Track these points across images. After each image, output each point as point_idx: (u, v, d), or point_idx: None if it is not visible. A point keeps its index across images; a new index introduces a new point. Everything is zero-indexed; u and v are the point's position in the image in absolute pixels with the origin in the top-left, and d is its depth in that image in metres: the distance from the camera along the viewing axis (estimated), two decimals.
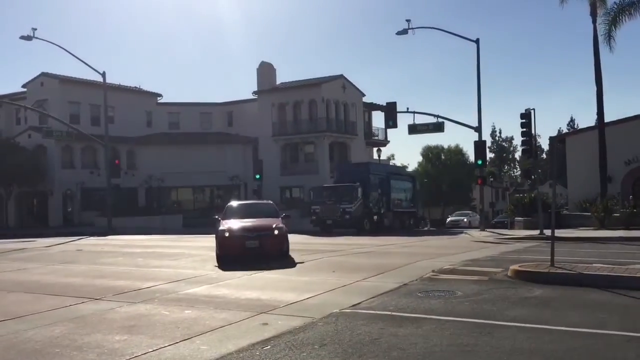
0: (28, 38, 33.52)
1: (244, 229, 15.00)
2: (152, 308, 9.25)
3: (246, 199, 49.46)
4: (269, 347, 6.75)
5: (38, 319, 8.57)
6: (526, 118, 26.30)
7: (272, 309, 8.93)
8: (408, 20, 33.19)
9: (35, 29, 33.86)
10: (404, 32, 33.48)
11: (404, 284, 10.74)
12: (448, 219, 55.71)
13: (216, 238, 15.13)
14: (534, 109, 26.53)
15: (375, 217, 33.77)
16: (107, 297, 10.20)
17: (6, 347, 7.09)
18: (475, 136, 33.01)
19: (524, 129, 26.32)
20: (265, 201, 20.04)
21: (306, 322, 7.90)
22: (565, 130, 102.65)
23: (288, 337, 7.15)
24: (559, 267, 10.96)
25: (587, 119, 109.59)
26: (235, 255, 14.58)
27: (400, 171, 43.43)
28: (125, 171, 45.37)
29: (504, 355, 6.09)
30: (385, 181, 35.67)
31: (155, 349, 6.82)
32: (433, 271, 12.18)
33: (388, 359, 6.09)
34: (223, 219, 16.06)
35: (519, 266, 11.30)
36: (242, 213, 16.55)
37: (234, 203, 17.98)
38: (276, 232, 14.98)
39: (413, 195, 39.89)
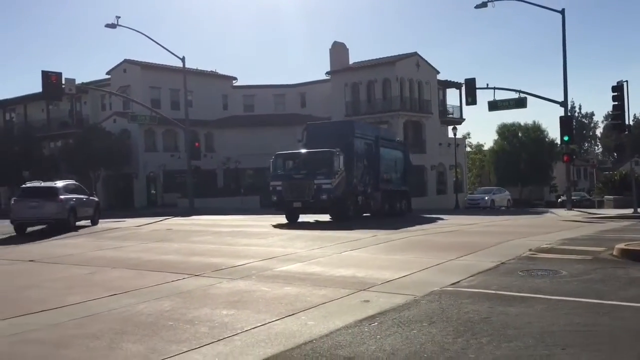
0: (112, 26, 34.77)
1: None
2: (252, 284, 9.41)
3: None
4: (376, 323, 6.70)
5: (145, 294, 8.89)
6: (618, 91, 24.94)
7: (370, 286, 8.88)
8: None
9: (119, 17, 35.14)
10: (483, 5, 32.30)
11: (502, 263, 10.45)
12: (466, 197, 46.27)
13: None
14: (626, 81, 25.03)
15: (359, 199, 24.55)
16: (206, 274, 10.47)
17: (122, 319, 7.40)
18: (555, 111, 31.85)
19: (616, 103, 25.00)
20: None
21: (408, 300, 7.81)
22: None
23: (393, 314, 7.07)
24: None
25: None
26: None
27: (390, 136, 31.50)
28: (204, 153, 46.57)
29: (630, 337, 5.78)
30: (374, 148, 25.97)
31: (263, 323, 6.92)
32: (530, 250, 11.77)
33: (504, 337, 5.90)
34: None
35: (626, 245, 10.74)
36: None
37: None
38: None
39: (404, 169, 29.95)
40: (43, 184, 23.38)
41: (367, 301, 7.89)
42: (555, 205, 50.38)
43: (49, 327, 7.08)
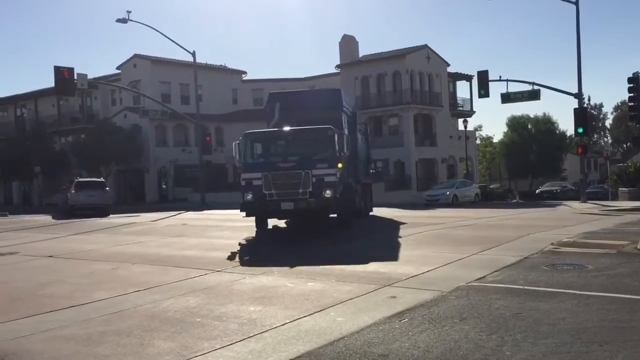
0: (123, 21, 34.78)
1: None
2: (275, 280, 9.40)
3: None
4: (406, 320, 6.66)
5: (169, 290, 8.90)
6: (634, 82, 24.64)
7: (395, 281, 8.84)
8: None
9: (130, 12, 35.20)
10: None
11: (525, 257, 10.39)
12: (425, 193, 39.64)
13: None
14: None
15: None
16: (228, 269, 10.47)
17: (149, 316, 7.39)
18: (566, 102, 31.55)
19: (632, 94, 24.70)
20: None
21: (436, 296, 7.76)
22: None
23: (423, 311, 7.03)
24: None
25: None
26: None
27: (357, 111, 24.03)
28: (214, 148, 46.60)
29: None
30: (353, 126, 20.16)
31: (292, 320, 6.89)
32: (552, 244, 11.70)
33: (538, 334, 5.85)
34: None
35: None
36: None
37: None
38: None
39: (367, 156, 24.10)
40: (93, 179, 32.86)
41: (394, 297, 7.85)
42: (534, 197, 49.36)
43: (78, 324, 7.09)
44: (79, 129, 50.18)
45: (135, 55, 50.11)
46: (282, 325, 6.70)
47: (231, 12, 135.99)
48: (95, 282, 9.86)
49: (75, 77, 30.27)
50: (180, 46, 37.57)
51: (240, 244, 14.39)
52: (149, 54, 50.73)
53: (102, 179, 32.88)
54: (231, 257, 11.85)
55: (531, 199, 46.74)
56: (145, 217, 25.03)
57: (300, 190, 15.17)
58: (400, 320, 6.64)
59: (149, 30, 39.70)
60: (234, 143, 16.39)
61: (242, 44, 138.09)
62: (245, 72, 57.24)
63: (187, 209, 32.58)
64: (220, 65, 56.57)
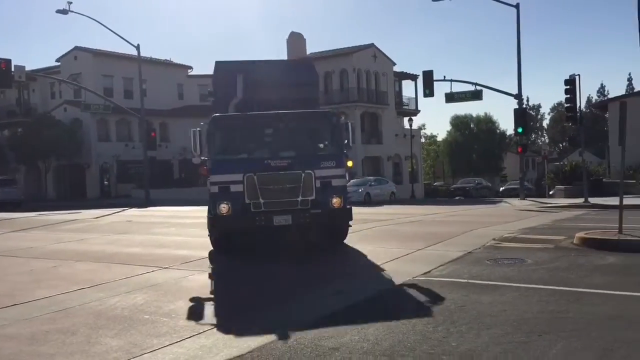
0: (64, 12, 33.64)
1: None
2: None
3: None
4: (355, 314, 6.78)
5: (115, 287, 8.73)
6: (571, 84, 25.72)
7: (345, 275, 8.97)
8: None
9: (71, 3, 34.02)
10: None
11: (469, 252, 10.71)
12: None
13: None
14: (578, 75, 25.79)
15: None
16: (175, 266, 10.34)
17: (95, 314, 7.25)
18: (506, 102, 32.62)
19: (568, 96, 25.78)
20: None
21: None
22: (595, 98, 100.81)
23: (371, 305, 7.17)
24: (628, 234, 10.82)
25: (617, 86, 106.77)
26: None
27: None
28: (159, 144, 45.73)
29: (601, 323, 6.03)
30: None
31: None
32: (494, 239, 12.10)
33: (481, 325, 6.07)
34: None
35: (585, 234, 11.17)
36: None
37: None
38: None
39: None
40: (4, 177, 38.18)
41: (341, 291, 7.96)
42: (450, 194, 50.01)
43: (21, 322, 6.89)
44: (15, 122, 48.31)
45: (76, 48, 48.60)
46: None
47: (177, 6, 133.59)
48: (36, 280, 9.56)
49: (13, 69, 29.12)
50: (124, 39, 36.68)
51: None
52: (92, 47, 49.34)
53: (12, 177, 40.18)
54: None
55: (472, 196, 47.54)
56: (87, 214, 24.35)
57: (300, 199, 11.03)
58: (349, 315, 6.75)
59: (91, 23, 38.61)
60: (192, 130, 11.87)
61: (188, 39, 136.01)
62: (191, 67, 56.45)
63: (131, 206, 31.88)
64: (165, 59, 55.60)
